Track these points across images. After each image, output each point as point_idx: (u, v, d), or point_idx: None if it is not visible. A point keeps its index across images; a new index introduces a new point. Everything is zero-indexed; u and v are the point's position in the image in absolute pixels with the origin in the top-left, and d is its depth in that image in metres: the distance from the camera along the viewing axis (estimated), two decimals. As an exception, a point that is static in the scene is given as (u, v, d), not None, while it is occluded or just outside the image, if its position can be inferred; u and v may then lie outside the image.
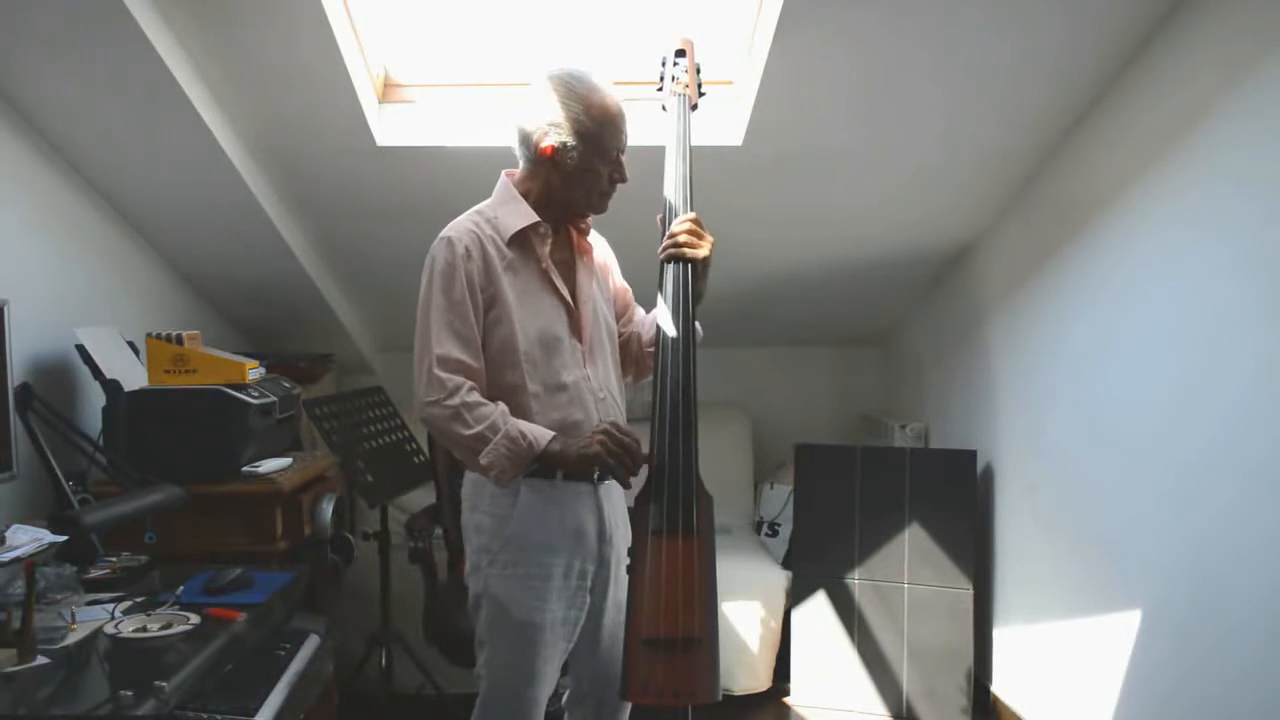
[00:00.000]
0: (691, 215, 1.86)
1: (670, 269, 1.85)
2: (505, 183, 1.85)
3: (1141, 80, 2.26)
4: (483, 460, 1.67)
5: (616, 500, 1.87)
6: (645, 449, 1.73)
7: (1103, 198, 2.42)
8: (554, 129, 1.74)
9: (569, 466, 1.72)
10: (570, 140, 1.74)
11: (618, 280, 2.04)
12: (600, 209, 1.85)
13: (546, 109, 1.75)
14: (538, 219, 1.79)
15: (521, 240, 1.79)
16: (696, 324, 1.93)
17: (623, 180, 1.82)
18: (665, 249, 1.85)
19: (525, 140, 1.79)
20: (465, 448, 1.69)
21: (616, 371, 1.93)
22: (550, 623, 1.76)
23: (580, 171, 1.77)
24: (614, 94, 1.77)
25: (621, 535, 1.84)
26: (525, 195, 1.82)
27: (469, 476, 1.82)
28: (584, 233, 1.90)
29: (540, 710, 1.80)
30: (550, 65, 1.79)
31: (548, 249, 1.82)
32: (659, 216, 1.92)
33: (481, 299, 1.74)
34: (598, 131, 1.74)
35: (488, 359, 1.75)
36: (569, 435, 1.74)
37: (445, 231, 1.77)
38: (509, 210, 1.80)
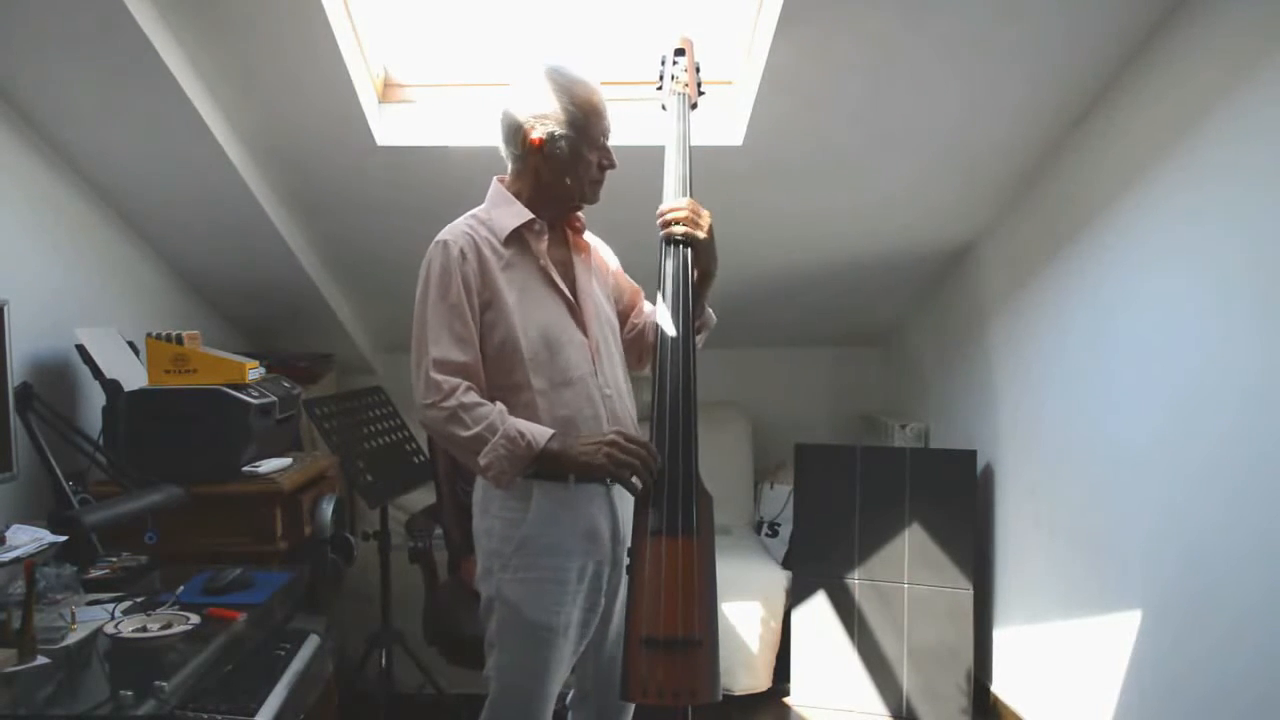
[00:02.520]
0: (687, 199, 1.86)
1: (670, 265, 1.85)
2: (497, 187, 1.86)
3: (1142, 78, 2.26)
4: (481, 461, 1.67)
5: (629, 500, 1.86)
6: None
7: (1104, 196, 2.42)
8: (541, 121, 1.75)
9: (570, 467, 1.71)
10: (559, 130, 1.75)
11: (624, 279, 2.04)
12: (593, 198, 1.84)
13: (531, 102, 1.76)
14: (532, 216, 1.79)
15: (517, 239, 1.80)
16: (709, 310, 1.95)
17: (612, 166, 1.83)
18: (664, 224, 1.85)
19: (512, 137, 1.79)
20: (464, 448, 1.69)
21: (623, 368, 1.93)
22: (564, 625, 1.76)
23: (571, 161, 1.77)
24: (594, 80, 1.79)
25: None
26: (517, 195, 1.82)
27: (480, 482, 1.81)
28: (579, 231, 1.90)
29: (549, 712, 1.80)
30: (527, 60, 1.80)
31: (544, 246, 1.82)
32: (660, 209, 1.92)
33: (478, 301, 1.74)
34: (584, 118, 1.76)
35: (489, 360, 1.75)
36: (577, 432, 1.74)
37: (440, 235, 1.77)
38: (503, 211, 1.81)
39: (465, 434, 1.67)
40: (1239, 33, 1.94)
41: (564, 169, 1.78)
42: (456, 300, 1.71)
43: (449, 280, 1.72)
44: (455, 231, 1.77)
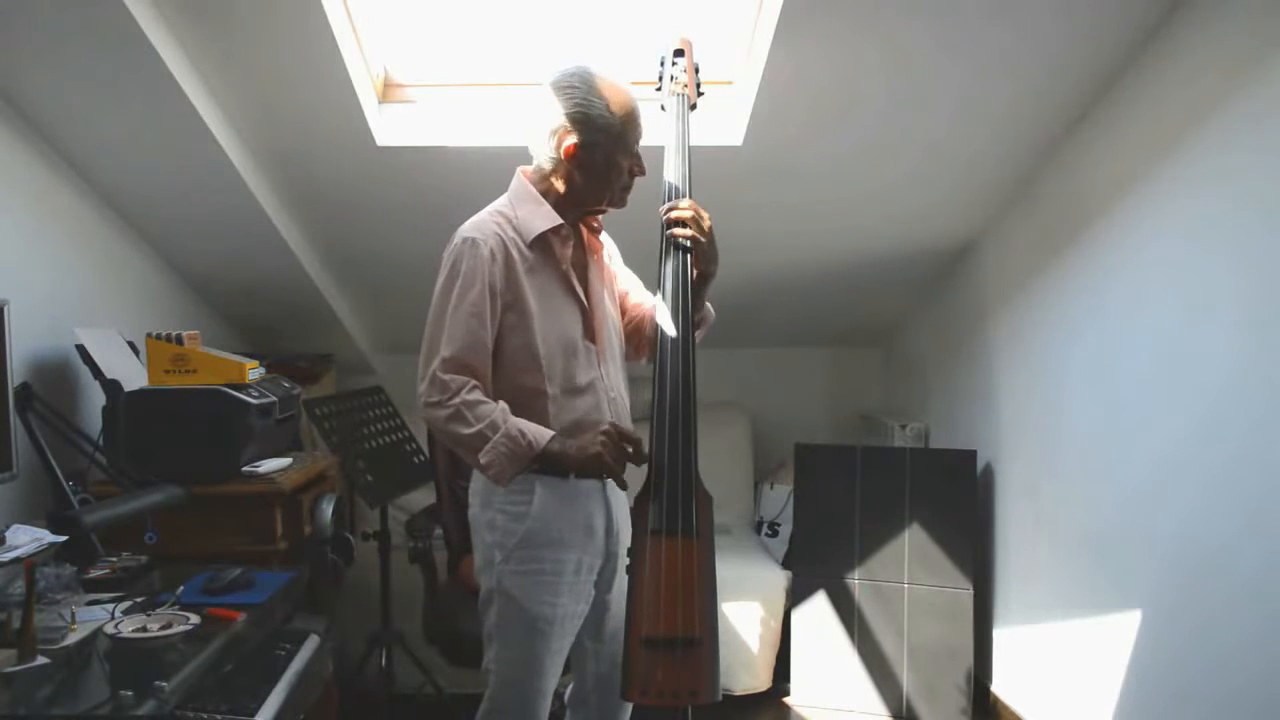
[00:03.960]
0: (688, 200, 1.86)
1: (670, 265, 1.85)
2: (522, 181, 1.83)
3: (1142, 78, 2.26)
4: (482, 459, 1.67)
5: (621, 496, 1.88)
6: (645, 447, 1.74)
7: (1104, 196, 2.42)
8: (577, 127, 1.73)
9: (570, 466, 1.72)
10: (595, 138, 1.73)
11: (625, 271, 2.04)
12: (621, 204, 1.84)
13: (568, 107, 1.73)
14: (561, 222, 1.78)
15: (542, 243, 1.79)
16: (708, 305, 1.95)
17: (642, 173, 1.82)
18: (670, 228, 1.84)
19: (548, 139, 1.75)
20: (465, 446, 1.69)
21: (623, 371, 1.94)
22: (560, 617, 1.77)
23: (604, 168, 1.76)
24: (630, 87, 1.77)
25: (627, 530, 1.85)
26: (545, 194, 1.80)
27: (479, 473, 1.82)
28: (596, 231, 1.90)
29: (547, 703, 1.81)
30: (565, 63, 1.77)
31: (569, 251, 1.81)
32: (662, 208, 1.91)
33: (500, 303, 1.73)
34: (621, 127, 1.74)
35: (503, 361, 1.75)
36: (584, 435, 1.74)
37: (468, 232, 1.75)
38: (530, 211, 1.79)
39: (467, 431, 1.67)
40: (1239, 32, 1.94)
41: (596, 176, 1.77)
42: (477, 301, 1.70)
43: (473, 280, 1.70)
44: (484, 230, 1.74)
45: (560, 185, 1.79)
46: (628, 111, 1.74)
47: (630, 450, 1.71)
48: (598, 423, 1.78)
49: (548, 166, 1.79)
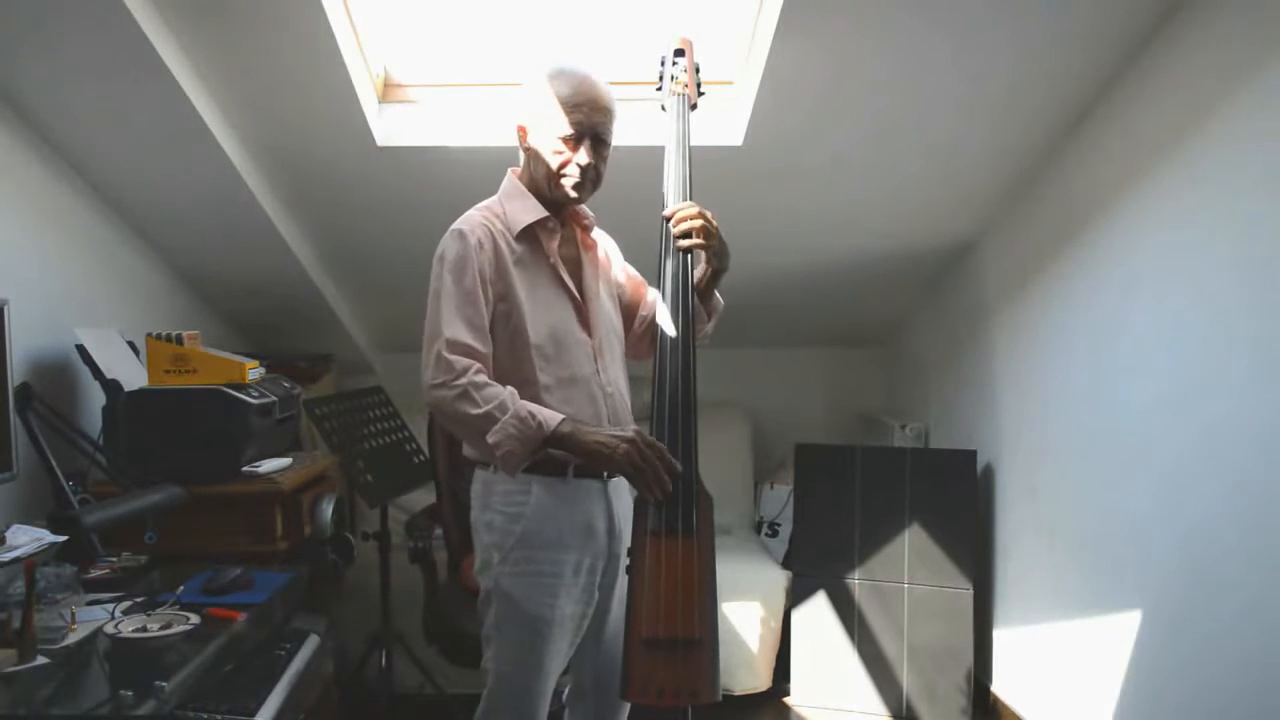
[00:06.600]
0: (693, 205, 1.84)
1: (670, 266, 1.85)
2: (511, 178, 1.87)
3: (1143, 78, 2.26)
4: (490, 439, 1.63)
5: (625, 496, 1.87)
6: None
7: (1105, 196, 2.42)
8: (524, 112, 1.80)
9: (580, 453, 1.67)
10: (524, 120, 1.80)
11: (626, 269, 2.04)
12: (558, 193, 1.79)
13: (522, 93, 1.81)
14: (546, 214, 1.80)
15: (529, 235, 1.80)
16: (717, 295, 1.96)
17: (577, 165, 1.75)
18: (678, 235, 1.84)
19: (515, 133, 1.84)
20: (473, 428, 1.66)
21: (623, 369, 1.93)
22: (559, 618, 1.76)
23: (535, 150, 1.80)
24: (580, 78, 1.75)
25: (630, 530, 1.83)
26: (531, 190, 1.83)
27: (478, 475, 1.82)
28: (587, 229, 1.91)
29: (545, 704, 1.81)
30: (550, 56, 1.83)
31: (555, 244, 1.83)
32: (665, 211, 1.91)
33: (492, 291, 1.75)
34: (541, 107, 1.77)
35: (497, 352, 1.76)
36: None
37: (457, 225, 1.78)
38: (517, 205, 1.81)
39: (475, 412, 1.64)
40: (1239, 33, 1.94)
41: (535, 161, 1.81)
42: (471, 287, 1.71)
43: (465, 267, 1.72)
44: (471, 222, 1.77)
45: (529, 176, 1.84)
46: (550, 93, 1.75)
47: (656, 467, 1.64)
48: (590, 416, 1.78)
49: (521, 160, 1.85)
